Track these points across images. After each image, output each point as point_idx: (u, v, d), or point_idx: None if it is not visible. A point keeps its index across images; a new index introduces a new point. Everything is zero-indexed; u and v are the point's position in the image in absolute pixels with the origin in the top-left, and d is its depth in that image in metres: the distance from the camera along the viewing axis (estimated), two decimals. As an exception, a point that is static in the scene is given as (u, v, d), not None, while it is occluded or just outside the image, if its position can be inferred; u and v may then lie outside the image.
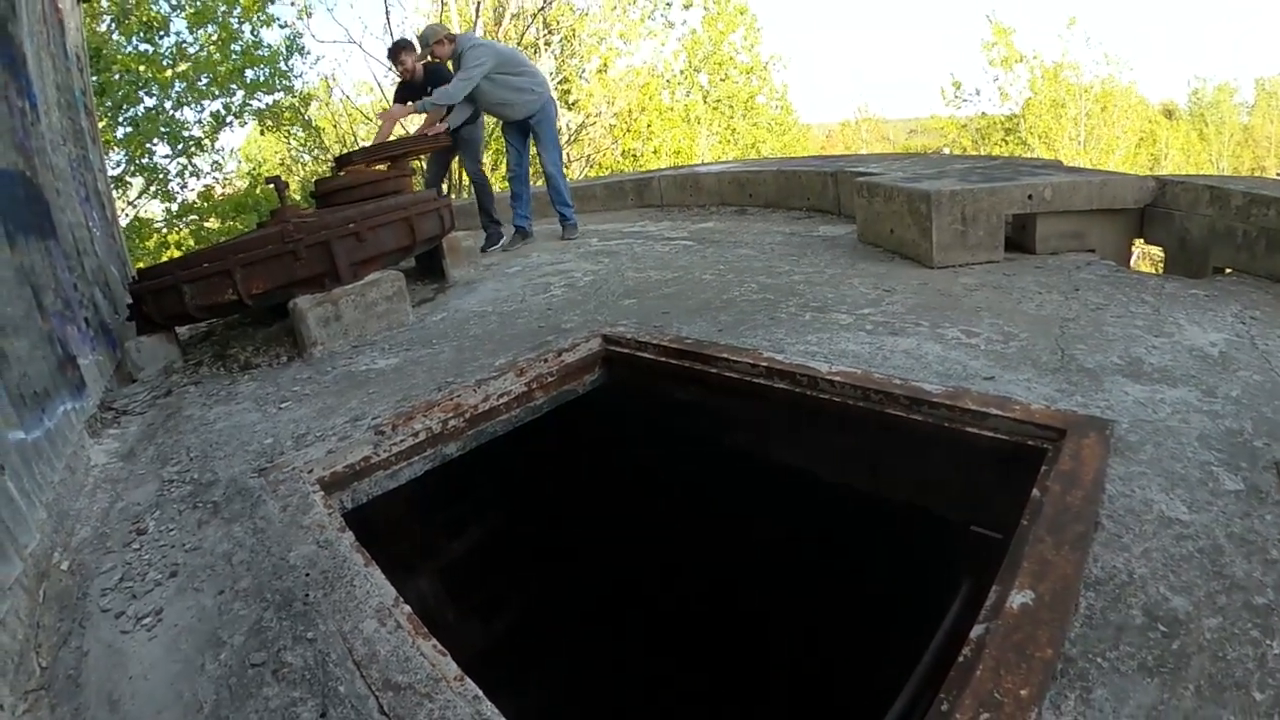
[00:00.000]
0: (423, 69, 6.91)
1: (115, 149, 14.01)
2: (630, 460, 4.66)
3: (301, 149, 19.78)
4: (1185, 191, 4.30)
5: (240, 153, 24.25)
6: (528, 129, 6.91)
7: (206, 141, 15.54)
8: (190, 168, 15.52)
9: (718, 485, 4.35)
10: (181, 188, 15.52)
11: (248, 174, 18.80)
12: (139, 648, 2.03)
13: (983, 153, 23.71)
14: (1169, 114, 32.34)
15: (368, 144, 7.58)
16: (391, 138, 7.13)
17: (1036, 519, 2.00)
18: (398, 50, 6.94)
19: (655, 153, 21.10)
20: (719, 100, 25.63)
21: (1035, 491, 2.15)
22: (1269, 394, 2.58)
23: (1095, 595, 1.77)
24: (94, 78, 10.66)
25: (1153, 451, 2.30)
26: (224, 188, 17.23)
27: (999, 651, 1.61)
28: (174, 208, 15.36)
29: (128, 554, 2.51)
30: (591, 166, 20.64)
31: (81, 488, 3.04)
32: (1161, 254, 4.59)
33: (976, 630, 1.71)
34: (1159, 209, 4.50)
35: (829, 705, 4.39)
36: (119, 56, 13.56)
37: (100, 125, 10.39)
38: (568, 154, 19.82)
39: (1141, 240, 4.75)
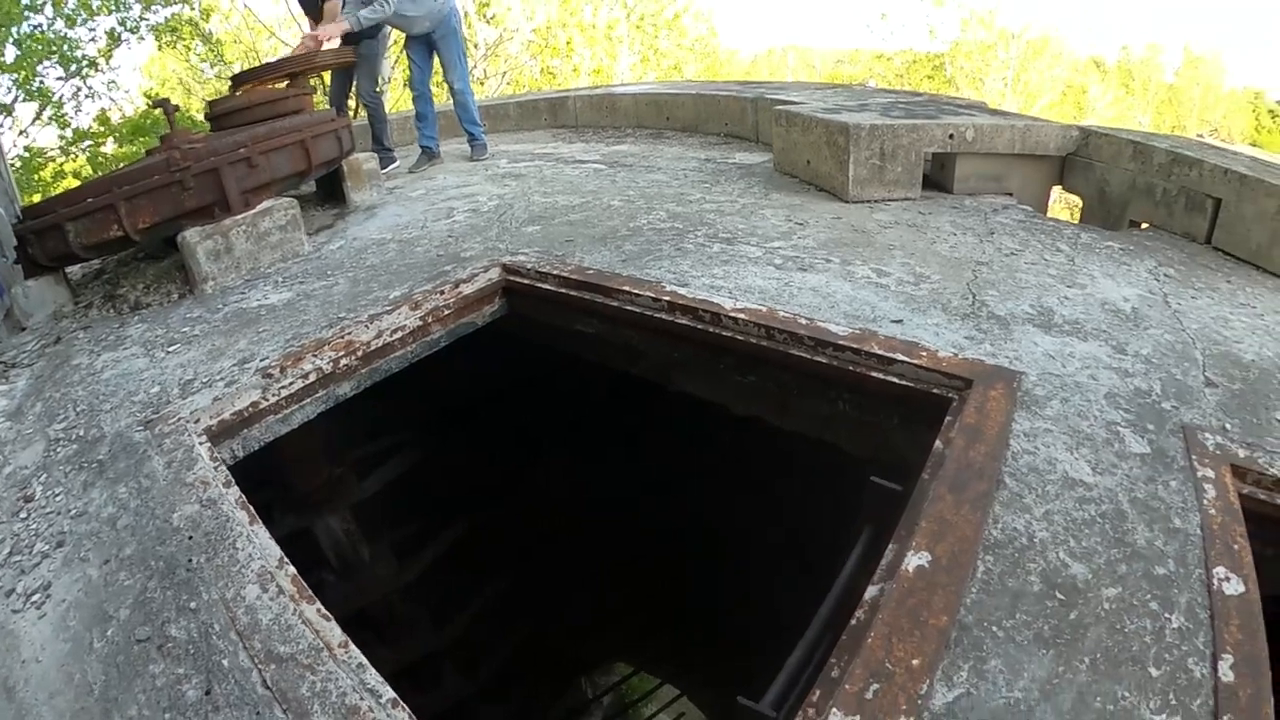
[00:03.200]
0: None
1: (1, 74, 12.90)
2: (539, 391, 4.62)
3: (204, 64, 18.60)
4: (1109, 144, 4.30)
5: (144, 70, 22.70)
6: (431, 43, 6.52)
7: (101, 61, 14.35)
8: (86, 90, 14.38)
9: (625, 414, 4.34)
10: (77, 111, 14.39)
11: (146, 93, 17.59)
12: (30, 628, 1.99)
13: (907, 88, 23.61)
14: (1098, 65, 33.17)
15: (271, 59, 7.10)
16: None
17: (938, 474, 1.98)
18: None
19: (575, 71, 20.44)
20: (643, 18, 24.77)
21: (938, 443, 2.13)
22: (1179, 355, 2.59)
23: (994, 559, 1.75)
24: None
25: (1059, 408, 2.29)
26: (124, 110, 16.10)
27: (892, 617, 1.59)
28: (69, 134, 14.25)
29: (15, 525, 2.43)
30: (509, 84, 19.93)
31: (-31, 457, 2.90)
32: (1079, 203, 4.62)
33: (871, 591, 1.70)
34: (1081, 158, 4.52)
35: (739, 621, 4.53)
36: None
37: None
38: (484, 70, 19.07)
39: (1061, 187, 4.76)
